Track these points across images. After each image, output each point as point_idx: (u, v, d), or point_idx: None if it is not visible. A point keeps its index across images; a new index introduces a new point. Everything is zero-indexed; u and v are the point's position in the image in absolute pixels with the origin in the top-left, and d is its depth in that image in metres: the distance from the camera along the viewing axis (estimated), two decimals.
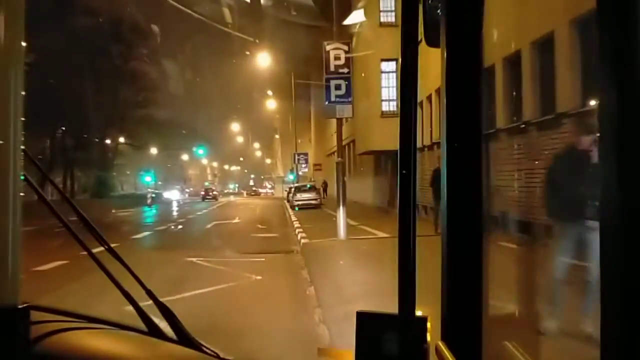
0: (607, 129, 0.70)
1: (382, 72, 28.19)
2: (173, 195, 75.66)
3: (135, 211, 40.58)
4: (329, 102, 17.65)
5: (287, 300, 9.28)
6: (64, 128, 46.89)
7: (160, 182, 74.89)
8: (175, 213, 40.89)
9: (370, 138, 28.52)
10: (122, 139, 57.24)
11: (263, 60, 38.91)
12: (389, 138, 19.10)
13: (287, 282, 10.99)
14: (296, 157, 53.87)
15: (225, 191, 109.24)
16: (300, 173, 54.19)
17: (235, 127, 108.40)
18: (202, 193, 75.49)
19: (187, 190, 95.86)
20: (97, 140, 51.99)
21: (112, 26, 44.27)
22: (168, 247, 18.03)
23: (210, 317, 7.57)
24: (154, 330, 1.33)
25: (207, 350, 1.31)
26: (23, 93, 1.14)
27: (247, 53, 43.60)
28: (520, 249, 6.54)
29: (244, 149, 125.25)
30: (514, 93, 13.57)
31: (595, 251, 0.75)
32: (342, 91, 17.32)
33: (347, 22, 23.96)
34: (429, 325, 1.07)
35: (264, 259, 13.74)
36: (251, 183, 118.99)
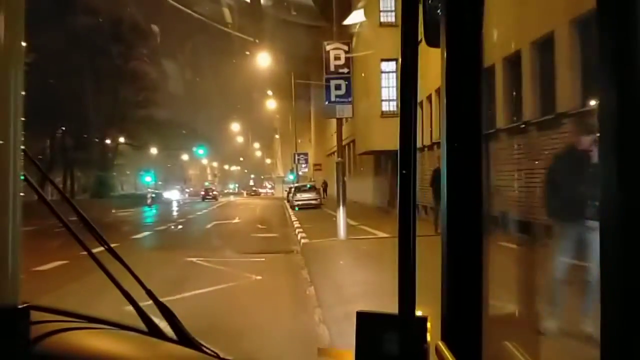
0: (607, 129, 0.70)
1: (382, 72, 28.15)
2: (173, 195, 75.65)
3: (135, 211, 40.55)
4: (329, 102, 17.62)
5: (287, 300, 9.26)
6: (64, 128, 46.91)
7: (160, 182, 74.89)
8: (175, 213, 40.87)
9: (370, 138, 28.50)
10: (122, 139, 57.26)
11: (263, 60, 38.91)
12: (389, 138, 19.09)
13: (287, 282, 10.96)
14: (296, 157, 53.87)
15: (225, 191, 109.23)
16: (300, 173, 54.19)
17: (235, 127, 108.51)
18: (202, 193, 75.49)
19: (187, 190, 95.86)
20: (97, 140, 52.01)
21: (112, 26, 44.28)
22: (168, 247, 18.00)
23: (210, 317, 7.56)
24: (154, 330, 1.33)
25: (207, 350, 1.31)
26: (23, 93, 1.14)
27: (247, 53, 43.64)
28: (520, 249, 6.54)
29: (244, 149, 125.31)
30: (514, 93, 13.57)
31: (596, 251, 0.74)
32: (342, 91, 17.29)
33: (347, 22, 23.96)
34: (429, 325, 1.07)
35: (264, 259, 13.71)
36: (251, 183, 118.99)
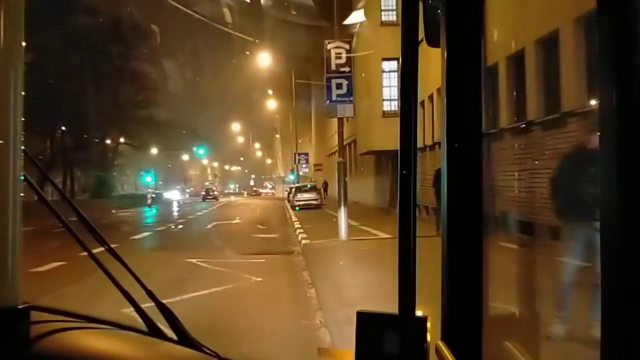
0: (607, 129, 0.70)
1: (383, 71, 28.07)
2: (173, 195, 75.71)
3: (135, 211, 40.58)
4: (330, 102, 17.54)
5: (287, 302, 9.19)
6: (64, 128, 46.90)
7: (160, 182, 74.88)
8: (175, 213, 40.90)
9: (372, 138, 28.47)
10: (122, 139, 57.25)
11: (263, 60, 38.89)
12: (390, 138, 19.06)
13: (288, 283, 10.91)
14: (297, 157, 53.89)
15: (226, 191, 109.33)
16: (300, 173, 54.24)
17: (235, 127, 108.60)
18: (203, 193, 75.62)
19: (188, 190, 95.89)
20: (97, 140, 52.04)
21: (113, 26, 44.33)
22: (168, 247, 17.98)
23: (210, 319, 7.53)
24: (154, 330, 1.33)
25: (207, 351, 1.31)
26: (23, 93, 1.14)
27: (247, 53, 43.62)
28: (521, 250, 6.54)
29: (245, 149, 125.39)
30: (515, 93, 13.56)
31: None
32: (344, 90, 17.23)
33: (348, 21, 23.93)
34: (429, 325, 1.07)
35: (264, 260, 13.65)
36: (252, 183, 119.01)
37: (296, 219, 25.69)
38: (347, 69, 17.41)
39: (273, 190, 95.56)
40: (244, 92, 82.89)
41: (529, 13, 10.91)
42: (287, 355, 6.18)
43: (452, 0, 1.18)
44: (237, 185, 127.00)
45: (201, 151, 79.33)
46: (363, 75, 26.42)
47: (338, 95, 17.29)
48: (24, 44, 1.16)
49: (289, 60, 43.63)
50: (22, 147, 1.16)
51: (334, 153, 44.27)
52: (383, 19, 27.81)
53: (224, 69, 72.98)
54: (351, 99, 17.61)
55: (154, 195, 51.19)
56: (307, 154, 57.18)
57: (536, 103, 12.63)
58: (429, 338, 1.06)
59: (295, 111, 52.63)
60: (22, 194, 1.15)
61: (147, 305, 1.35)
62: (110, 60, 46.38)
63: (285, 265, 13.25)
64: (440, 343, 1.14)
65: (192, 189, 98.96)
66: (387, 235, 15.34)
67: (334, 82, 17.30)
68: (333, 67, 17.34)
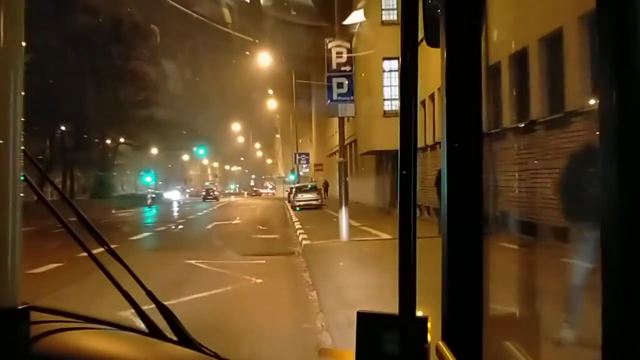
0: (607, 129, 0.70)
1: (384, 71, 28.00)
2: (173, 195, 75.69)
3: (135, 212, 40.57)
4: (331, 101, 17.45)
5: (288, 305, 9.10)
6: (63, 128, 46.88)
7: (160, 183, 74.86)
8: (175, 214, 40.87)
9: (372, 138, 28.44)
10: (122, 139, 57.24)
11: (263, 60, 38.92)
12: (391, 138, 19.00)
13: (289, 285, 10.80)
14: (297, 157, 53.85)
15: (226, 191, 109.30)
16: (301, 173, 54.24)
17: (236, 127, 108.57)
18: (204, 193, 75.66)
19: (188, 190, 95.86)
20: (97, 140, 52.02)
21: (113, 26, 44.30)
22: (167, 248, 17.93)
23: (209, 322, 7.45)
24: (153, 331, 1.33)
25: (207, 351, 1.31)
26: (23, 93, 1.14)
27: (247, 53, 43.64)
28: (521, 250, 6.54)
29: (245, 149, 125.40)
30: (514, 92, 13.57)
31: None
32: (345, 89, 17.13)
33: (348, 21, 23.87)
34: (429, 325, 1.07)
35: (264, 261, 13.58)
36: (252, 183, 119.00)
37: (297, 219, 25.66)
38: (348, 67, 17.31)
39: (273, 191, 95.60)
40: (244, 92, 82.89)
41: (528, 13, 10.93)
42: (288, 358, 6.17)
43: (452, 0, 1.18)
44: (238, 186, 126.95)
45: (201, 151, 79.32)
46: (363, 75, 26.39)
47: (339, 95, 17.19)
48: (24, 44, 1.16)
49: (289, 60, 43.68)
50: (22, 147, 1.16)
51: (334, 153, 44.25)
52: (384, 18, 27.79)
53: (224, 69, 72.98)
54: (352, 98, 17.50)
55: (154, 196, 51.14)
56: (307, 154, 57.19)
57: (536, 103, 12.64)
58: (429, 338, 1.06)
59: (296, 111, 52.67)
60: (22, 194, 1.15)
61: (148, 307, 1.35)
62: (110, 60, 46.40)
63: (286, 266, 13.15)
64: (440, 343, 1.14)
65: (192, 189, 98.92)
66: (388, 236, 15.25)
67: (334, 81, 17.20)
68: (334, 66, 17.23)
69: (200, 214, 38.50)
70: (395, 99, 27.87)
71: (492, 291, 1.25)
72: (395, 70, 27.68)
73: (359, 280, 9.98)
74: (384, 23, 27.34)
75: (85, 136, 48.83)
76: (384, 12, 27.92)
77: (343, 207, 16.32)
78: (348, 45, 17.60)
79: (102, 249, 1.38)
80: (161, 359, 1.32)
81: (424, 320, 1.06)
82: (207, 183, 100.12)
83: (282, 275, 11.93)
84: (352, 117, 22.66)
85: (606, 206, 0.70)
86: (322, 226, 20.49)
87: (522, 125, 12.87)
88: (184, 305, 8.37)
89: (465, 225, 1.18)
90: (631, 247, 0.66)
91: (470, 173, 1.18)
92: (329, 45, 17.27)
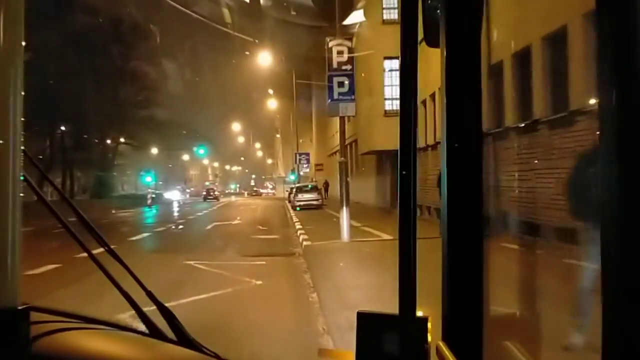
0: (607, 129, 0.70)
1: (385, 70, 27.87)
2: (174, 195, 75.76)
3: (134, 212, 40.58)
4: (332, 100, 17.32)
5: (289, 307, 9.01)
6: (63, 128, 46.87)
7: (161, 183, 74.91)
8: (175, 214, 40.89)
9: (373, 137, 28.38)
10: (122, 139, 57.25)
11: (263, 60, 38.92)
12: (391, 138, 18.93)
13: (289, 287, 10.69)
14: (297, 157, 53.82)
15: (227, 191, 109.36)
16: (301, 173, 54.23)
17: (236, 127, 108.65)
18: (204, 193, 75.91)
19: (188, 190, 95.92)
20: (97, 140, 52.01)
21: (113, 26, 44.32)
22: (166, 249, 17.88)
23: (208, 325, 7.37)
24: (154, 331, 1.33)
25: (207, 352, 1.31)
26: (23, 93, 1.14)
27: (247, 53, 43.65)
28: (521, 250, 6.53)
29: (245, 149, 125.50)
30: (514, 92, 13.57)
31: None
32: (346, 88, 17.03)
33: (348, 20, 23.80)
34: (429, 325, 1.07)
35: (264, 262, 13.48)
36: (252, 183, 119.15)
37: (297, 220, 25.63)
38: (349, 66, 17.20)
39: (274, 191, 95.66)
40: (244, 92, 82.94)
41: (528, 13, 10.94)
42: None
43: (451, 0, 1.18)
44: (238, 185, 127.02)
45: (201, 151, 79.38)
46: (363, 75, 26.33)
47: (340, 94, 17.09)
48: (24, 43, 1.16)
49: (289, 60, 43.70)
50: (22, 147, 1.16)
51: (334, 153, 44.23)
52: (385, 17, 27.71)
53: (224, 69, 73.04)
54: (353, 97, 17.38)
55: (153, 196, 51.11)
56: (308, 154, 57.22)
57: (535, 103, 12.64)
58: (429, 338, 1.07)
59: (296, 111, 52.65)
60: (21, 194, 1.15)
61: (149, 309, 1.35)
62: (110, 60, 46.45)
63: (286, 267, 13.07)
64: (440, 343, 1.14)
65: (192, 189, 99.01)
66: (389, 237, 15.07)
67: (335, 80, 17.09)
68: (335, 65, 17.12)
69: (200, 214, 38.51)
70: (396, 99, 27.83)
71: (493, 291, 1.25)
72: (396, 70, 27.61)
73: (360, 281, 9.85)
74: (384, 22, 27.29)
75: (85, 136, 48.86)
76: (384, 11, 27.85)
77: (344, 208, 16.20)
78: (349, 43, 17.47)
79: (102, 249, 1.38)
80: (161, 359, 1.32)
81: (424, 320, 1.06)
82: (207, 183, 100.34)
83: (283, 277, 11.83)
84: (353, 116, 22.60)
85: (606, 206, 0.70)
86: (323, 226, 20.43)
87: (522, 125, 12.87)
88: (182, 307, 8.26)
89: (465, 226, 1.18)
90: (631, 247, 0.66)
91: (470, 173, 1.18)
92: (330, 44, 17.15)
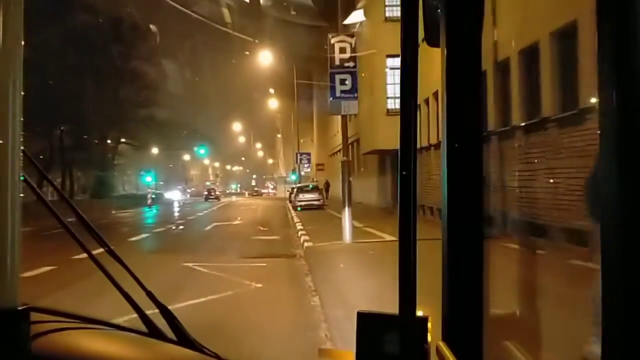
0: (607, 129, 0.70)
1: (387, 68, 27.61)
2: (174, 195, 75.85)
3: (134, 212, 40.59)
4: (333, 98, 17.04)
5: (290, 312, 8.81)
6: (63, 128, 46.86)
7: (161, 183, 74.97)
8: (175, 214, 40.92)
9: (375, 137, 28.27)
10: (122, 139, 57.27)
11: (264, 59, 38.90)
12: (394, 137, 18.68)
13: (290, 290, 10.49)
14: (298, 157, 53.75)
15: (227, 191, 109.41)
16: (302, 173, 54.19)
17: (237, 127, 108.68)
18: (205, 193, 76.11)
19: (189, 190, 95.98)
20: (97, 140, 52.00)
21: (113, 26, 44.35)
22: (165, 250, 17.77)
23: (206, 330, 7.24)
24: (154, 332, 1.33)
25: (208, 352, 1.31)
26: (22, 93, 1.14)
27: (247, 53, 43.67)
28: (521, 250, 6.54)
29: (246, 149, 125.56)
30: (514, 92, 13.57)
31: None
32: (348, 86, 16.78)
33: (349, 20, 23.68)
34: (429, 325, 1.07)
35: (265, 264, 13.34)
36: (253, 183, 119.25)
37: (298, 220, 25.54)
38: (351, 64, 16.95)
39: (274, 191, 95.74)
40: (244, 92, 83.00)
41: (528, 13, 10.94)
42: None
43: (451, 0, 1.17)
44: (239, 185, 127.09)
45: (202, 151, 79.43)
46: (363, 75, 26.22)
47: (342, 92, 16.83)
48: (23, 43, 1.16)
49: (290, 60, 43.71)
50: (22, 147, 1.16)
51: (336, 153, 44.24)
52: (387, 14, 27.47)
53: (224, 68, 73.10)
54: (355, 95, 17.12)
55: (154, 196, 51.12)
56: (309, 154, 57.18)
57: (536, 103, 12.63)
58: (429, 338, 1.06)
59: (297, 111, 52.62)
60: (21, 195, 1.15)
61: (151, 312, 1.34)
62: (111, 60, 46.49)
63: (287, 269, 12.91)
64: (441, 343, 1.14)
65: (193, 189, 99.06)
66: (392, 238, 14.69)
67: (337, 78, 16.84)
68: (337, 62, 16.86)
69: (200, 214, 38.50)
70: (398, 97, 27.63)
71: (493, 291, 1.25)
72: (398, 68, 27.47)
73: (364, 285, 9.61)
74: (387, 19, 27.06)
75: (85, 136, 48.87)
76: (387, 9, 27.60)
77: (346, 208, 16.00)
78: (351, 40, 17.21)
79: (101, 250, 1.38)
80: (161, 359, 1.32)
81: (424, 320, 1.06)
82: (208, 183, 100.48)
83: (283, 280, 11.68)
84: (355, 115, 22.45)
85: (606, 206, 0.70)
86: (324, 227, 20.30)
87: (523, 125, 12.87)
88: (179, 311, 7.95)
89: (465, 226, 1.18)
90: (631, 247, 0.66)
91: (471, 174, 1.18)
92: (332, 41, 16.91)
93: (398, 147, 0.98)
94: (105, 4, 41.48)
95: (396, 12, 26.91)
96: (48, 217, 1.34)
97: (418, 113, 1.01)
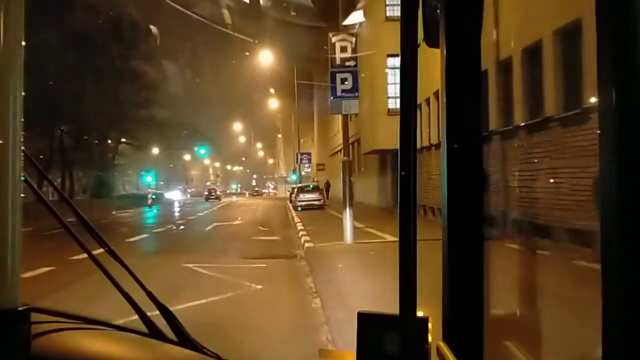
0: (607, 129, 0.70)
1: (388, 67, 27.48)
2: (175, 195, 75.90)
3: (134, 212, 40.56)
4: (334, 98, 16.88)
5: (290, 315, 8.66)
6: (63, 128, 46.86)
7: (162, 182, 74.98)
8: (176, 214, 40.87)
9: (376, 137, 28.20)
10: (123, 139, 57.27)
11: (264, 60, 38.92)
12: (395, 137, 18.69)
13: (290, 292, 10.38)
14: (299, 157, 53.70)
15: (228, 191, 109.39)
16: (303, 173, 54.16)
17: (237, 127, 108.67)
18: (206, 193, 76.15)
19: (189, 190, 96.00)
20: (97, 140, 51.98)
21: (113, 26, 44.41)
22: (164, 251, 17.70)
23: (204, 333, 7.16)
24: (154, 332, 1.33)
25: (208, 352, 1.31)
26: (23, 93, 1.14)
27: (247, 54, 43.71)
28: (521, 250, 6.52)
29: (247, 149, 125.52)
30: (514, 93, 13.57)
31: None
32: (349, 85, 16.60)
33: (349, 19, 23.59)
34: (430, 325, 1.07)
35: (265, 265, 13.24)
36: (253, 183, 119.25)
37: (298, 220, 25.48)
38: (352, 63, 16.79)
39: (275, 191, 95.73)
40: (245, 92, 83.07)
41: (528, 13, 10.92)
42: None
43: (451, 0, 1.17)
44: (239, 185, 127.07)
45: (202, 151, 79.39)
46: (362, 75, 26.16)
47: (343, 91, 16.66)
48: (23, 43, 1.16)
49: (290, 60, 43.74)
50: (22, 147, 1.16)
51: (336, 153, 44.20)
52: (388, 14, 27.33)
53: (224, 69, 73.19)
54: (356, 94, 16.94)
55: (154, 196, 51.04)
56: (309, 154, 57.14)
57: (535, 103, 12.63)
58: (430, 339, 1.06)
59: (298, 110, 52.62)
60: (22, 195, 1.14)
61: (152, 313, 1.34)
62: (111, 60, 46.55)
63: (288, 270, 12.82)
64: (441, 344, 1.14)
65: (193, 189, 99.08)
66: (394, 238, 14.16)
67: (338, 77, 16.66)
68: (338, 61, 16.71)
69: (200, 214, 38.47)
70: (399, 97, 27.56)
71: (493, 292, 1.25)
72: (399, 68, 27.37)
73: (366, 286, 9.46)
74: (387, 19, 26.94)
75: (86, 137, 48.88)
76: (387, 8, 27.46)
77: (347, 208, 15.90)
78: (352, 39, 17.07)
79: (101, 250, 1.38)
80: None
81: (424, 320, 1.06)
82: (208, 183, 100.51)
83: (284, 281, 11.58)
84: (355, 115, 22.36)
85: (606, 206, 0.70)
86: (325, 227, 20.21)
87: (523, 125, 12.87)
88: (180, 313, 7.82)
89: (465, 226, 1.18)
90: (631, 247, 0.66)
91: (471, 174, 1.18)
92: (333, 39, 16.76)
93: (398, 147, 0.98)
94: (106, 4, 41.53)
95: (397, 12, 26.78)
96: (48, 217, 1.34)
97: (419, 113, 1.01)
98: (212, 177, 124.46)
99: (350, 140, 20.76)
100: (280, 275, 12.22)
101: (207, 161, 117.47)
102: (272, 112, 75.14)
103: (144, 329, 1.33)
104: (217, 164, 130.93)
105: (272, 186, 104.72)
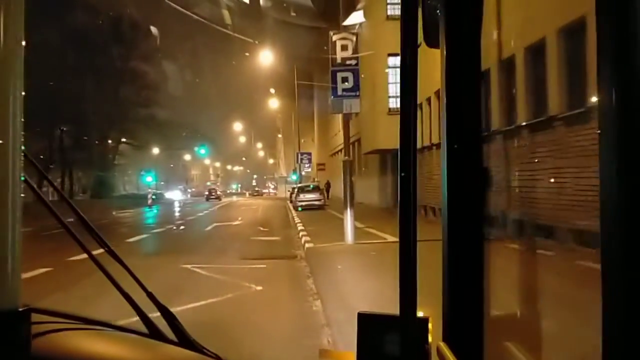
0: (607, 129, 0.70)
1: (389, 67, 27.33)
2: (175, 195, 75.94)
3: (135, 212, 40.53)
4: (335, 97, 16.72)
5: (290, 317, 8.52)
6: (63, 128, 46.87)
7: (162, 182, 75.01)
8: (176, 214, 40.83)
9: (377, 136, 28.13)
10: (123, 139, 57.29)
11: (264, 60, 38.90)
12: (395, 136, 18.66)
13: (291, 293, 10.26)
14: (299, 157, 53.66)
15: (228, 191, 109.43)
16: (303, 173, 54.12)
17: (237, 126, 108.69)
18: (207, 193, 76.25)
19: (190, 190, 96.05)
20: (97, 140, 51.99)
21: (114, 26, 44.45)
22: (164, 251, 17.64)
23: (203, 336, 7.07)
24: (154, 333, 1.33)
25: (208, 353, 1.31)
26: (23, 93, 1.13)
27: (247, 54, 43.72)
28: (521, 250, 6.52)
29: (247, 149, 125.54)
30: (514, 93, 13.56)
31: None
32: (350, 84, 16.44)
33: (350, 19, 23.53)
34: (430, 326, 1.07)
35: (265, 266, 13.15)
36: (254, 183, 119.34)
37: (299, 220, 25.42)
38: (353, 61, 16.65)
39: (275, 190, 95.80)
40: (245, 92, 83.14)
41: (528, 13, 10.91)
42: None
43: (451, 0, 1.17)
44: (240, 185, 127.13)
45: (202, 151, 79.36)
46: (363, 76, 26.13)
47: (344, 90, 16.49)
48: (24, 43, 1.16)
49: (290, 61, 43.74)
50: (22, 148, 1.15)
51: (337, 152, 44.17)
52: (388, 13, 27.19)
53: (224, 69, 73.22)
54: (357, 93, 16.77)
55: (154, 196, 50.97)
56: (309, 154, 57.10)
57: (535, 103, 12.62)
58: (430, 339, 1.06)
59: (298, 110, 52.61)
60: (22, 195, 1.14)
61: (154, 315, 1.34)
62: (111, 60, 46.57)
63: (288, 271, 12.73)
64: (441, 344, 1.14)
65: (194, 189, 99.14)
66: (395, 239, 14.30)
67: (339, 75, 16.49)
68: (339, 60, 16.56)
69: (201, 214, 38.45)
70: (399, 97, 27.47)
71: (493, 292, 1.25)
72: (399, 67, 27.27)
73: (367, 287, 9.37)
74: (388, 18, 26.80)
75: (86, 137, 48.89)
76: (388, 7, 27.33)
77: (348, 209, 15.79)
78: (354, 37, 16.95)
79: (101, 250, 1.38)
80: None
81: (424, 321, 1.06)
82: (209, 183, 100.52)
83: (284, 282, 11.48)
84: (356, 115, 22.27)
85: (606, 206, 0.70)
86: (325, 227, 20.15)
87: (523, 125, 12.86)
88: (179, 315, 7.52)
89: (465, 226, 1.18)
90: (631, 247, 0.66)
91: (470, 174, 1.18)
92: (334, 38, 16.63)
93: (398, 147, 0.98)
94: (106, 4, 41.55)
95: (398, 10, 26.61)
96: (48, 217, 1.34)
97: (419, 112, 1.01)
98: (212, 177, 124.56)
99: (351, 140, 20.72)
100: (281, 276, 12.13)
101: (207, 161, 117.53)
102: (273, 112, 75.15)
103: (144, 329, 1.33)
104: (218, 164, 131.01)
105: (272, 186, 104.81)
